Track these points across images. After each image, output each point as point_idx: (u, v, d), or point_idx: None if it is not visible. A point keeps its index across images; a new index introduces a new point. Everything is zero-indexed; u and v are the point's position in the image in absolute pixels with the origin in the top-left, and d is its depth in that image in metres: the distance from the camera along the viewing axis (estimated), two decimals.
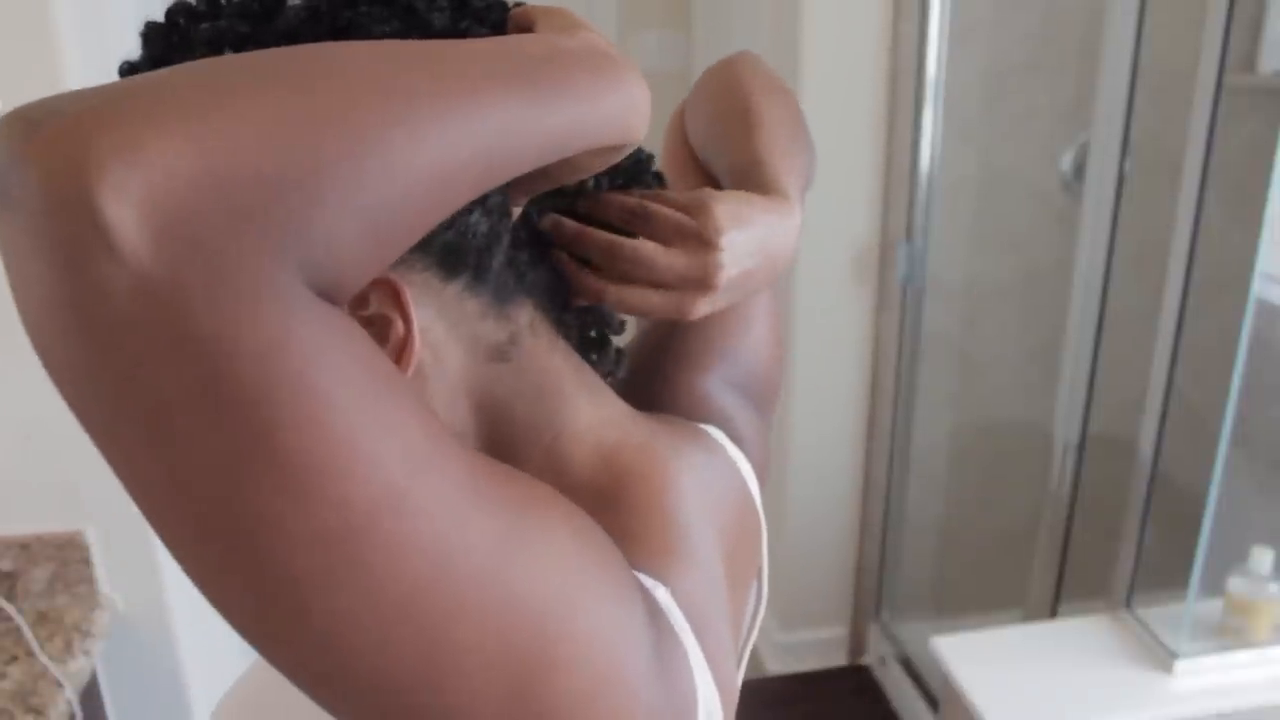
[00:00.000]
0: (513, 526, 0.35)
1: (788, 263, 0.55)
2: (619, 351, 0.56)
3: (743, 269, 0.50)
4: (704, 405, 0.60)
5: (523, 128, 0.37)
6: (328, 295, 0.32)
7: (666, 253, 0.48)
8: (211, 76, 0.31)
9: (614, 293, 0.49)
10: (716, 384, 0.61)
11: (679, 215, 0.49)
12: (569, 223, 0.49)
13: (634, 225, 0.49)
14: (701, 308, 0.50)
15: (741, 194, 0.52)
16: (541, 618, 0.35)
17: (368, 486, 0.31)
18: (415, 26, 0.42)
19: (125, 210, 0.28)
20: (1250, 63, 1.74)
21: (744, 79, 0.65)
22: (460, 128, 0.34)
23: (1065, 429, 1.90)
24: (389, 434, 0.32)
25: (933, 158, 2.08)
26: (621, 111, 0.42)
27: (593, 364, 0.54)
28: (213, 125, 0.29)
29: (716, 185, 0.62)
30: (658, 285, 0.49)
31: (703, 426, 0.58)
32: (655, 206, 0.49)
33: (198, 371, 0.29)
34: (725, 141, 0.62)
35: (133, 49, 0.44)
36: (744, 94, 0.63)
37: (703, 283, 0.49)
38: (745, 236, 0.50)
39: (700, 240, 0.48)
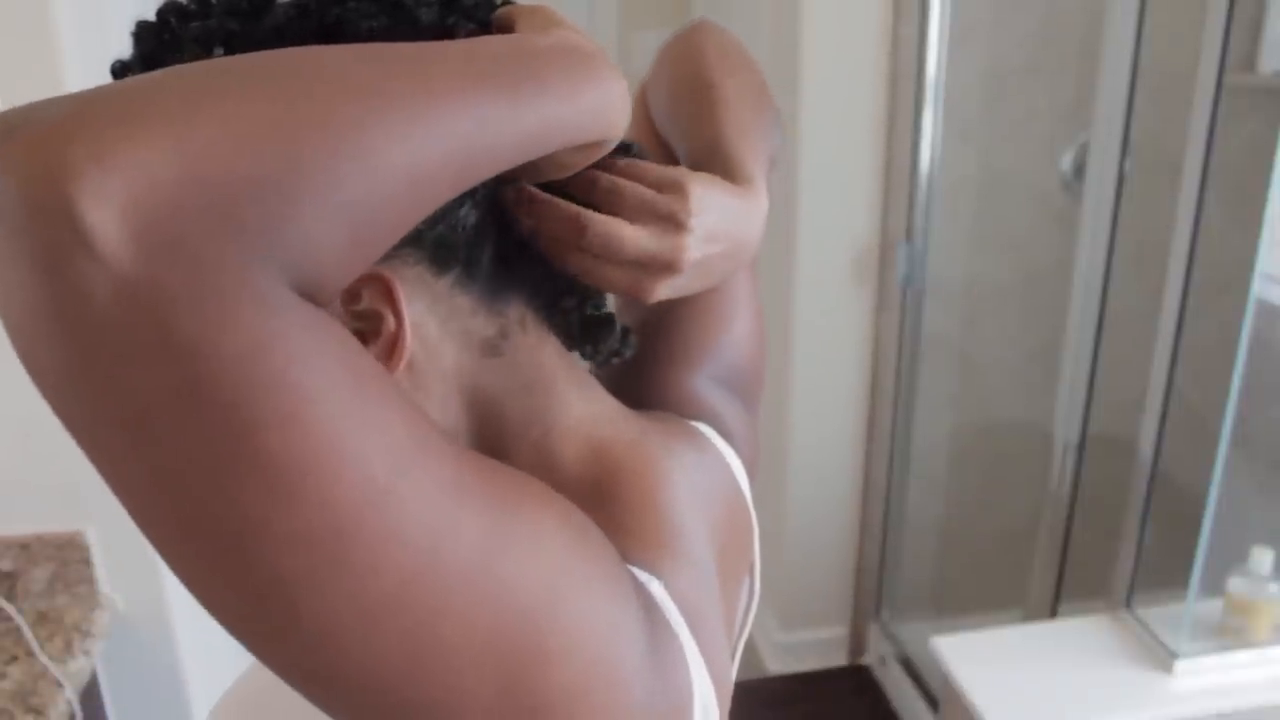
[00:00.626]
0: (500, 521, 0.35)
1: (753, 250, 0.54)
2: (625, 330, 0.55)
3: (707, 254, 0.49)
4: (692, 403, 0.60)
5: (499, 125, 0.37)
6: (310, 295, 0.32)
7: (634, 231, 0.47)
8: (188, 81, 0.32)
9: (577, 261, 0.47)
10: (703, 381, 0.61)
11: (650, 194, 0.47)
12: (538, 194, 0.47)
13: (603, 202, 0.48)
14: (662, 290, 0.49)
15: (712, 177, 0.51)
16: (531, 612, 0.35)
17: (352, 485, 0.31)
18: (403, 22, 0.42)
19: (105, 213, 0.28)
20: (1250, 63, 1.74)
21: (704, 51, 0.64)
22: (436, 126, 0.34)
23: (1065, 429, 1.90)
24: (373, 432, 0.32)
25: (933, 158, 2.08)
26: (600, 108, 0.41)
27: (599, 346, 0.53)
28: (191, 128, 0.29)
29: (675, 162, 0.60)
30: (622, 263, 0.48)
31: (692, 423, 0.58)
32: (626, 183, 0.47)
33: (179, 373, 0.29)
34: (685, 120, 0.60)
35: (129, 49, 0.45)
36: (703, 69, 0.62)
37: (669, 265, 0.48)
38: (714, 221, 0.49)
39: (671, 221, 0.47)
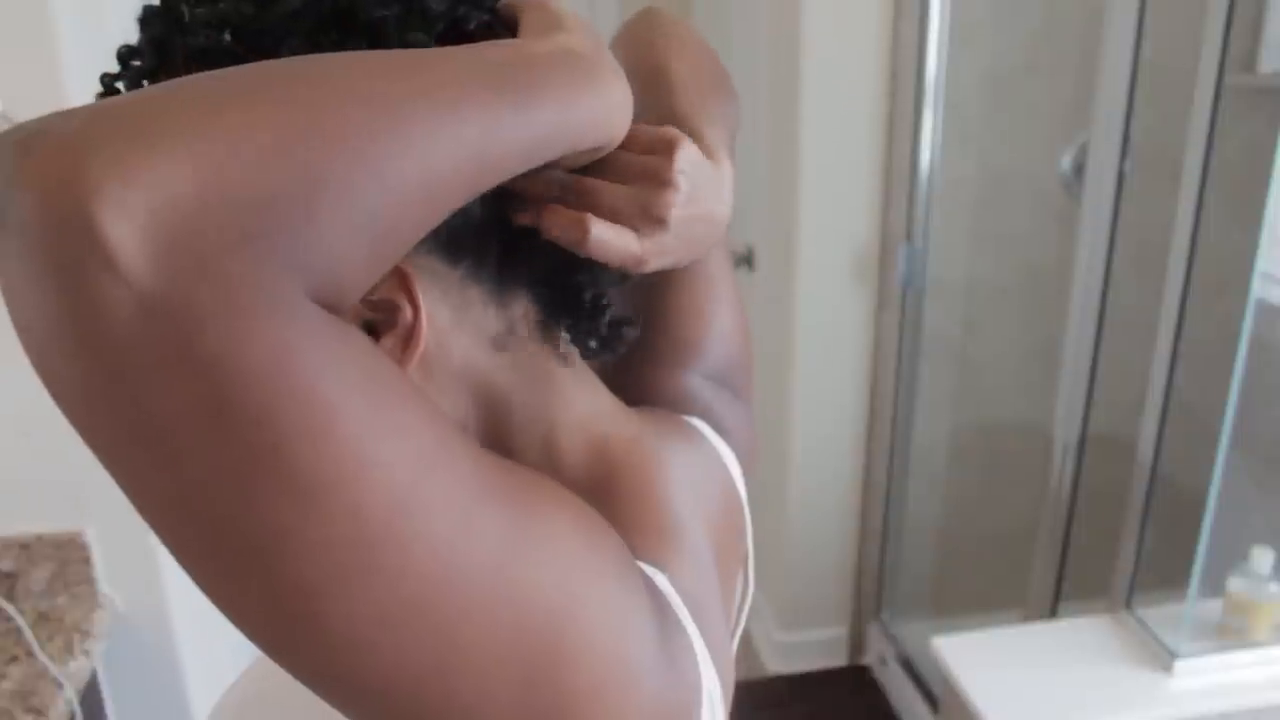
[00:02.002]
0: (519, 521, 0.36)
1: (725, 224, 0.53)
2: (624, 318, 0.53)
3: (689, 215, 0.48)
4: (685, 400, 0.60)
5: (506, 133, 0.37)
6: (330, 304, 0.32)
7: (620, 186, 0.46)
8: (204, 92, 0.31)
9: (550, 216, 0.45)
10: (694, 379, 0.61)
11: (640, 158, 0.47)
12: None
13: (594, 168, 0.46)
14: (652, 253, 0.47)
15: (693, 141, 0.50)
16: (550, 611, 0.35)
17: (377, 492, 0.31)
18: (414, 11, 0.42)
19: (127, 229, 0.27)
20: (1250, 63, 1.74)
21: (650, 38, 0.63)
22: (447, 134, 0.35)
23: (1065, 429, 1.90)
24: (397, 437, 0.32)
25: (933, 158, 2.08)
26: (602, 114, 0.42)
27: (600, 331, 0.52)
28: (210, 141, 0.29)
29: None
30: (609, 221, 0.46)
31: (686, 419, 0.59)
32: (616, 150, 0.46)
33: (203, 389, 0.29)
34: (638, 106, 0.60)
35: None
36: (651, 54, 0.62)
37: (655, 219, 0.46)
38: (695, 183, 0.48)
39: (655, 178, 0.46)
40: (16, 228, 0.28)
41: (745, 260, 2.48)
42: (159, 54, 0.42)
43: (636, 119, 0.59)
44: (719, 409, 0.62)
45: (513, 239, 0.47)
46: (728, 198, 0.53)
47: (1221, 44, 1.40)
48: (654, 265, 0.48)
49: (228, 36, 0.41)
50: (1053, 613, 2.00)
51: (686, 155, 0.47)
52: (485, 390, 0.47)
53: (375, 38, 0.41)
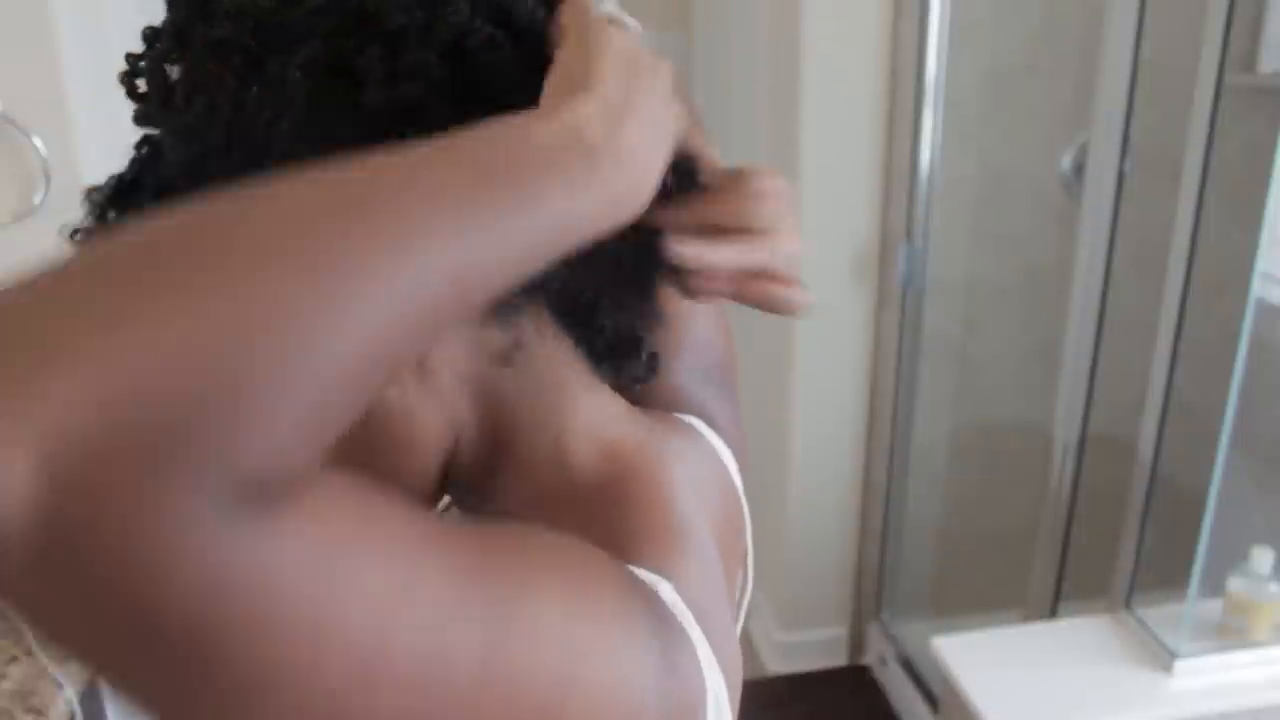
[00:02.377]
0: (502, 609, 0.33)
1: None
2: (653, 355, 0.54)
3: None
4: (681, 400, 0.60)
5: (493, 246, 0.33)
6: (278, 490, 0.27)
7: (779, 252, 0.51)
8: (101, 275, 0.27)
9: (772, 297, 0.52)
10: (686, 376, 0.62)
11: (764, 214, 0.49)
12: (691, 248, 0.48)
13: (754, 216, 0.49)
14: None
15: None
16: (549, 688, 0.34)
17: (341, 659, 0.28)
18: (436, 17, 0.41)
19: (15, 465, 0.23)
20: (1250, 63, 1.74)
21: None
22: (412, 274, 0.30)
23: (1065, 429, 1.90)
24: (351, 598, 0.29)
25: (933, 158, 2.08)
26: (602, 208, 0.38)
27: (623, 369, 0.53)
28: (107, 348, 0.25)
29: None
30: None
31: (683, 417, 0.59)
32: (737, 205, 0.49)
33: (126, 624, 0.25)
34: None
35: (133, 48, 0.44)
36: None
37: (794, 264, 0.51)
38: None
39: (792, 234, 0.51)
40: None
41: None
42: (178, 42, 0.42)
43: None
44: (712, 406, 0.62)
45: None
46: None
47: (1221, 44, 1.40)
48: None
49: (250, 24, 0.40)
50: (1053, 613, 2.00)
51: (790, 195, 0.50)
52: (490, 397, 0.47)
53: (393, 45, 0.40)
